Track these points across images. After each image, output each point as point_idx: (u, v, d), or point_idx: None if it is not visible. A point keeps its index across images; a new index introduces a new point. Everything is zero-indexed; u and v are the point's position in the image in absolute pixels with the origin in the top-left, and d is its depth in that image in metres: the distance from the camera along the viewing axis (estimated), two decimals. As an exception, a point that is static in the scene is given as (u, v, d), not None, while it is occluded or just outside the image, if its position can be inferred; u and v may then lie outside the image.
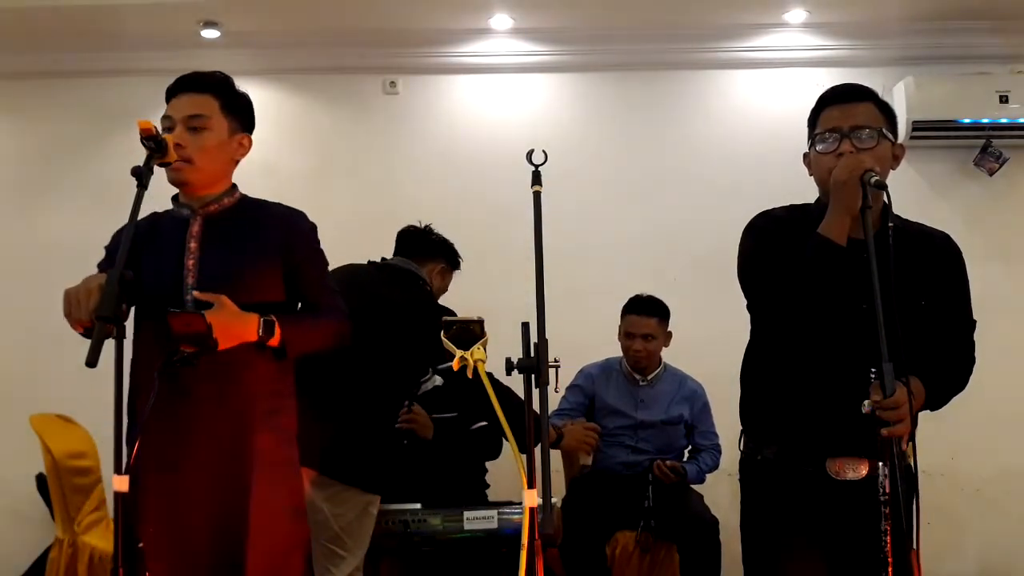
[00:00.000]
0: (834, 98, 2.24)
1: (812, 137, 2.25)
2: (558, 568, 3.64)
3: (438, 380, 3.89)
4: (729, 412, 2.59)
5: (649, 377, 4.04)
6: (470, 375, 3.96)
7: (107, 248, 2.47)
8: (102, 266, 2.40)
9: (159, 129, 2.26)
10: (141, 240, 2.27)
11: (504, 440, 3.81)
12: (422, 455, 3.71)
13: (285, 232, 2.42)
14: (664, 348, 4.08)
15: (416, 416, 3.70)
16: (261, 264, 2.36)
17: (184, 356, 2.15)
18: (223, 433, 2.26)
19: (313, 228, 2.51)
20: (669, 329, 4.06)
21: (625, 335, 4.03)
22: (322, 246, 2.55)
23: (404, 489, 3.64)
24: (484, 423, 3.80)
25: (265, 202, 2.49)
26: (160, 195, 2.38)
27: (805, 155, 2.28)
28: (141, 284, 2.22)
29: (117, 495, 1.93)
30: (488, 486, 3.91)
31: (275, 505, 2.29)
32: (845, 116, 2.19)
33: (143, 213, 2.27)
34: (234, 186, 2.46)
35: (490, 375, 2.05)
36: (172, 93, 2.39)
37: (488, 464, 3.98)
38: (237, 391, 2.28)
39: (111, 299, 1.92)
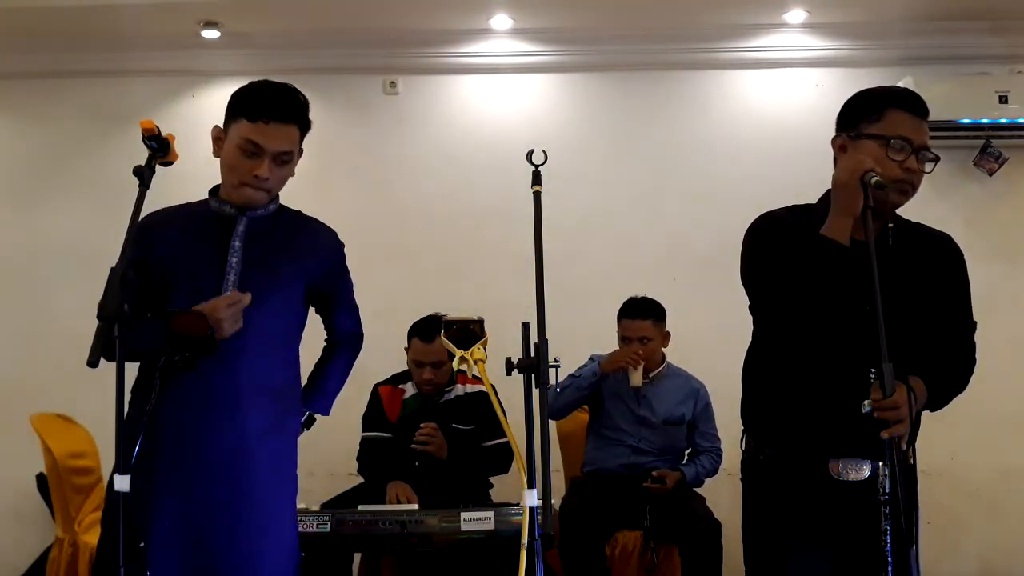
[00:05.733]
0: (908, 103, 2.17)
1: (870, 128, 2.16)
2: (558, 568, 3.63)
3: (460, 390, 3.88)
4: (730, 412, 2.59)
5: (651, 375, 4.03)
6: (470, 375, 3.94)
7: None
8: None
9: (160, 128, 2.26)
10: (174, 228, 2.39)
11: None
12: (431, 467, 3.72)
13: (321, 252, 2.52)
14: (663, 348, 4.08)
15: (433, 437, 3.70)
16: (292, 288, 2.44)
17: (185, 356, 2.16)
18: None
19: (343, 246, 2.60)
20: (667, 329, 4.05)
21: (622, 339, 4.02)
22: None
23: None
24: (502, 440, 3.80)
25: (301, 214, 2.56)
26: (160, 194, 2.37)
27: (835, 138, 2.23)
28: (175, 272, 2.32)
29: (118, 494, 1.92)
30: (492, 486, 3.91)
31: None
32: (917, 130, 2.15)
33: (153, 208, 2.35)
34: (276, 195, 2.51)
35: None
36: (261, 115, 2.34)
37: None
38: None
39: (113, 298, 1.90)
